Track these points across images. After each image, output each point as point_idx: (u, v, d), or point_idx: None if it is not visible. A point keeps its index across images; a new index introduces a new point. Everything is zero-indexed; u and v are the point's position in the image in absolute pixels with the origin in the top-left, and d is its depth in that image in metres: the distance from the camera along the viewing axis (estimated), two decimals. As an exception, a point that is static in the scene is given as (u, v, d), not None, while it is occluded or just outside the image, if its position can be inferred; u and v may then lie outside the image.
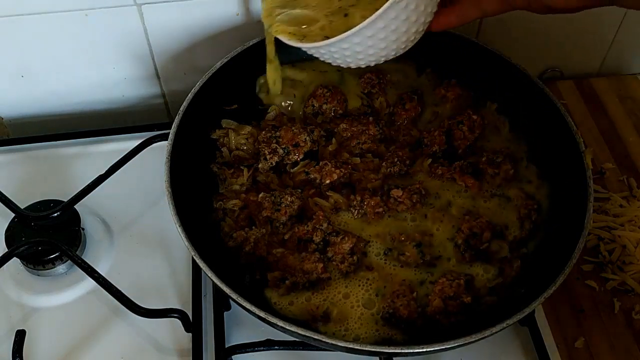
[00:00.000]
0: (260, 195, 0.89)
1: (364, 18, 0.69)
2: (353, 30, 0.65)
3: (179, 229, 0.79)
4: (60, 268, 0.93)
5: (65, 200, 0.96)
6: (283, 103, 0.98)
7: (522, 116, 0.97)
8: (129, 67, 1.10)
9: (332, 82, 1.00)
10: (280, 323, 0.74)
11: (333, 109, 0.98)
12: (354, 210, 0.89)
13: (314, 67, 0.99)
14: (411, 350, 0.73)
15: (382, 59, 0.70)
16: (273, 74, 0.91)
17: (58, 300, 0.92)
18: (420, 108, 0.99)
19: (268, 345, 0.84)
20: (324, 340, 0.74)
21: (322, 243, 0.86)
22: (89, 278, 0.89)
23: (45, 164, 1.07)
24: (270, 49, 0.86)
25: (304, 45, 0.73)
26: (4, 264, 0.90)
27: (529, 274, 0.84)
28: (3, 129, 1.16)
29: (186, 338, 0.87)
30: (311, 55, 0.80)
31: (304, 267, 0.83)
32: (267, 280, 0.84)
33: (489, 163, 0.92)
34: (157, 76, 1.12)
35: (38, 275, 0.93)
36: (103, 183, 0.97)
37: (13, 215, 0.95)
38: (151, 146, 1.03)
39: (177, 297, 0.92)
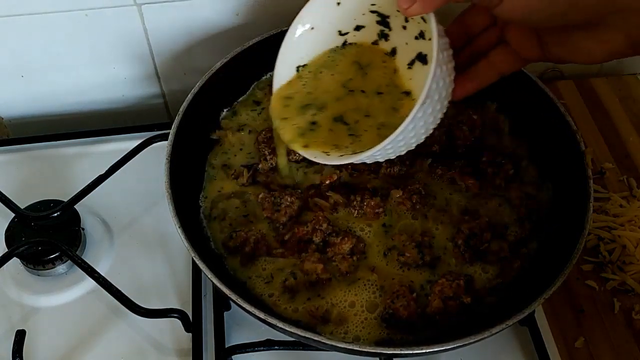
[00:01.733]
0: (260, 196, 0.89)
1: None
2: (387, 140, 0.67)
3: (179, 230, 0.79)
4: (60, 268, 0.93)
5: (65, 200, 0.96)
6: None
7: (522, 116, 0.96)
8: (129, 67, 1.10)
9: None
10: (280, 324, 0.74)
11: (333, 109, 0.98)
12: (353, 211, 0.89)
13: None
14: (411, 352, 0.73)
15: (412, 147, 0.73)
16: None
17: (58, 300, 0.92)
18: (420, 108, 0.98)
19: (268, 345, 0.84)
20: (323, 341, 0.74)
21: (322, 243, 0.86)
22: (89, 278, 0.89)
23: (45, 164, 1.07)
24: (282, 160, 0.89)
25: (339, 162, 0.73)
26: (4, 264, 0.90)
27: (529, 274, 0.84)
28: (3, 129, 1.17)
29: (186, 338, 0.87)
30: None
31: (304, 267, 0.83)
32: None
33: (489, 163, 0.92)
34: (157, 76, 1.12)
35: (38, 275, 0.93)
36: (103, 183, 0.97)
37: (13, 215, 0.95)
38: (151, 146, 1.02)
39: (177, 297, 0.92)
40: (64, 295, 0.92)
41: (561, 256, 0.79)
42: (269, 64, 1.03)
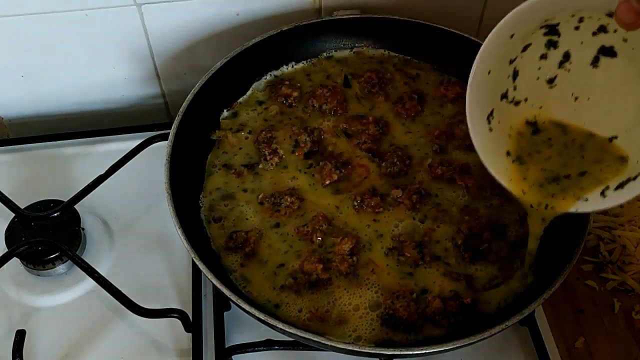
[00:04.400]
0: (260, 196, 0.90)
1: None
2: None
3: (179, 231, 0.79)
4: (60, 268, 0.93)
5: (65, 200, 0.96)
6: None
7: (522, 116, 0.96)
8: (129, 67, 1.10)
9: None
10: (280, 325, 0.74)
11: (333, 109, 0.98)
12: (354, 210, 0.89)
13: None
14: (411, 352, 0.73)
15: None
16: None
17: (58, 300, 0.92)
18: (420, 107, 0.99)
19: (268, 345, 0.84)
20: (323, 341, 0.74)
21: (322, 243, 0.86)
22: (89, 278, 0.89)
23: (45, 164, 1.07)
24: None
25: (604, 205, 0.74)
26: (4, 264, 0.90)
27: (529, 274, 0.84)
28: (3, 129, 1.16)
29: (186, 338, 0.87)
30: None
31: (304, 267, 0.83)
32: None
33: (489, 163, 0.92)
34: (157, 76, 1.12)
35: (38, 275, 0.93)
36: (103, 183, 0.97)
37: (13, 215, 0.95)
38: (151, 146, 1.02)
39: (177, 297, 0.92)
40: (64, 295, 0.92)
41: (561, 256, 0.79)
42: (269, 64, 1.03)
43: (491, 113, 0.77)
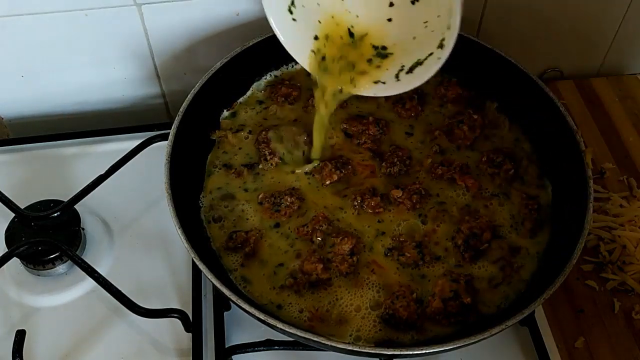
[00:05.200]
0: (260, 196, 0.90)
1: None
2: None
3: (179, 231, 0.79)
4: (60, 268, 0.93)
5: (65, 200, 0.96)
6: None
7: (522, 116, 0.97)
8: (129, 67, 1.10)
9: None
10: (280, 325, 0.74)
11: (333, 109, 0.98)
12: (354, 211, 0.89)
13: None
14: (411, 352, 0.73)
15: None
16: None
17: (58, 300, 0.92)
18: (420, 107, 0.99)
19: (268, 345, 0.84)
20: (323, 341, 0.74)
21: (322, 243, 0.86)
22: (89, 278, 0.89)
23: (45, 164, 1.07)
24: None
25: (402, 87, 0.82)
26: (4, 264, 0.90)
27: (529, 274, 0.84)
28: (3, 129, 1.16)
29: (186, 338, 0.87)
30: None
31: (304, 267, 0.83)
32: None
33: (489, 163, 0.92)
34: (157, 76, 1.12)
35: (38, 275, 0.93)
36: (103, 183, 0.97)
37: (13, 215, 0.95)
38: (151, 146, 1.02)
39: (177, 297, 0.92)
40: (64, 295, 0.92)
41: (561, 256, 0.79)
42: (269, 64, 1.03)
43: (292, 3, 0.82)
